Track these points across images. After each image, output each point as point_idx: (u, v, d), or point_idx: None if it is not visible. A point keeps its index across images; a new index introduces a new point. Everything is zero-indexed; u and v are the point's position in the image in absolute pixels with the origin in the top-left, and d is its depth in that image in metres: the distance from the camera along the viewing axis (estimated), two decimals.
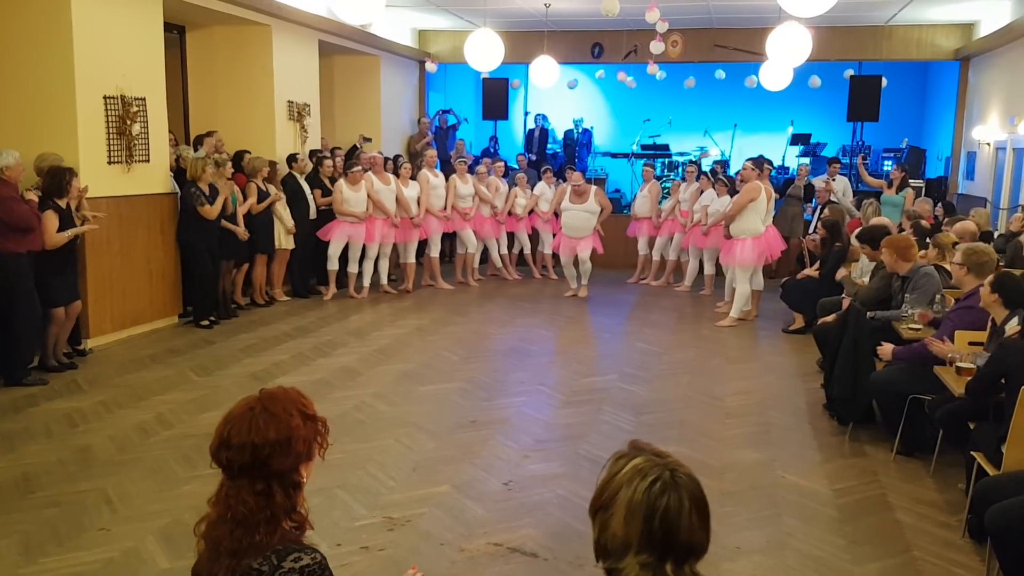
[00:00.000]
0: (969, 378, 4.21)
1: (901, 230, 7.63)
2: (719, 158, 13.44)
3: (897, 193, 10.10)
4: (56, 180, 6.55)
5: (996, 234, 8.70)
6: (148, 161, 7.95)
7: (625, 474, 1.62)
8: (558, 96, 15.22)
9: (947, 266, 6.30)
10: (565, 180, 11.66)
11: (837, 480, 4.81)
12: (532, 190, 11.73)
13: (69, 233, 6.63)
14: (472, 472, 4.84)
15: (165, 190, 8.26)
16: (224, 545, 1.88)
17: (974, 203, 10.77)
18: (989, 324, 4.54)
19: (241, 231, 8.64)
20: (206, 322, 8.30)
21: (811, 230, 10.63)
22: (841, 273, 7.70)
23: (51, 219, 6.47)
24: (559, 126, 15.59)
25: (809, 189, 11.29)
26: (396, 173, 10.55)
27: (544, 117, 15.31)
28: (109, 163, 7.51)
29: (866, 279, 7.05)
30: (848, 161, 13.61)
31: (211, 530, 1.93)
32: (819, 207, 10.60)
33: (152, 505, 4.33)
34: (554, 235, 10.99)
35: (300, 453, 1.93)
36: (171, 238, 8.30)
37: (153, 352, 7.40)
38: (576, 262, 10.15)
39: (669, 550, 1.58)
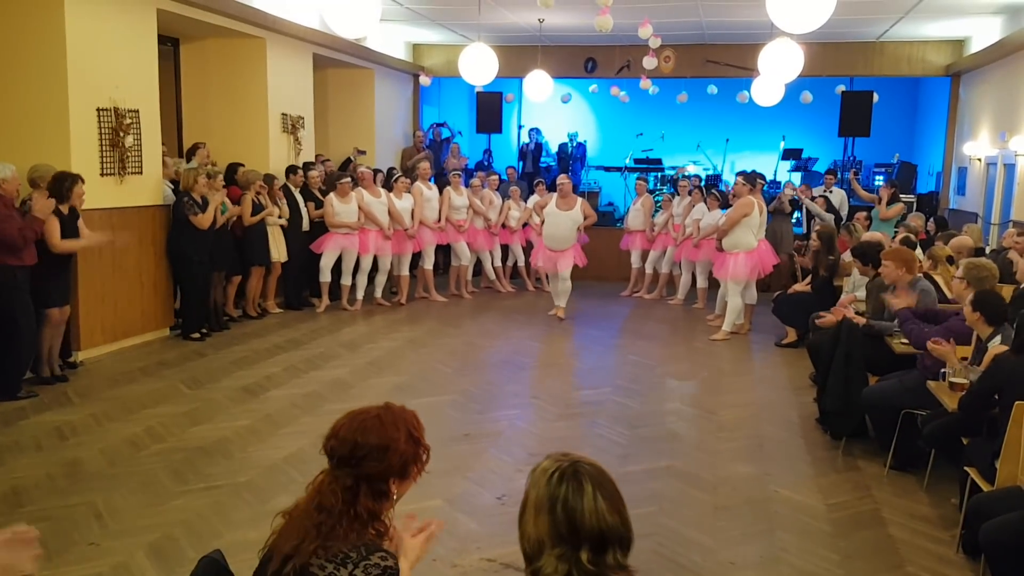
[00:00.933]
0: (963, 393, 4.21)
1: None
2: (692, 174, 13.45)
3: (888, 207, 10.16)
4: (58, 185, 6.54)
5: (988, 249, 8.74)
6: (141, 173, 7.94)
7: (534, 479, 1.68)
8: (552, 110, 15.28)
9: (937, 277, 6.33)
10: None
11: (831, 495, 4.80)
12: (526, 203, 11.77)
13: (77, 245, 6.66)
14: (465, 486, 4.82)
15: (157, 202, 8.24)
16: (303, 523, 2.05)
17: (965, 218, 10.83)
18: (974, 340, 4.55)
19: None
20: (197, 334, 8.26)
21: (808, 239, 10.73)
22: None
23: (53, 225, 6.45)
24: (553, 140, 15.64)
25: (794, 204, 11.40)
26: (389, 187, 10.57)
27: (538, 131, 15.36)
28: (102, 175, 7.49)
29: (858, 293, 7.07)
30: (840, 175, 13.68)
31: (296, 508, 2.12)
32: (807, 216, 10.75)
33: (142, 520, 4.29)
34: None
35: (393, 465, 2.12)
36: (163, 250, 8.27)
37: (144, 365, 7.36)
38: (558, 278, 9.63)
39: (579, 538, 1.59)
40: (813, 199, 11.13)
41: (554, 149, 15.57)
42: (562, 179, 9.73)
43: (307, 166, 10.39)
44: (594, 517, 1.59)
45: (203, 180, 8.15)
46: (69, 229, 6.64)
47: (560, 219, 9.41)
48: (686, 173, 13.28)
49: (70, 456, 5.17)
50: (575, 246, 9.61)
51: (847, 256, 7.80)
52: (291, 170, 9.94)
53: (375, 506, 2.12)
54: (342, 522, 2.05)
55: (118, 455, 5.21)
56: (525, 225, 11.68)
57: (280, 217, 9.40)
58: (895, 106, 14.97)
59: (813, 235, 8.74)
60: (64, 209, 6.60)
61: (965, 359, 4.59)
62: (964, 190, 12.29)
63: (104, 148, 7.50)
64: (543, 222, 9.64)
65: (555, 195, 9.54)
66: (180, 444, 5.39)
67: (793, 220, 11.51)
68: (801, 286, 8.79)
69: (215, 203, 8.20)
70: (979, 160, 11.51)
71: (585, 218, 9.52)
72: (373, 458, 2.10)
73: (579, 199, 9.61)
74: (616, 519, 1.61)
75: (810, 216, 11.19)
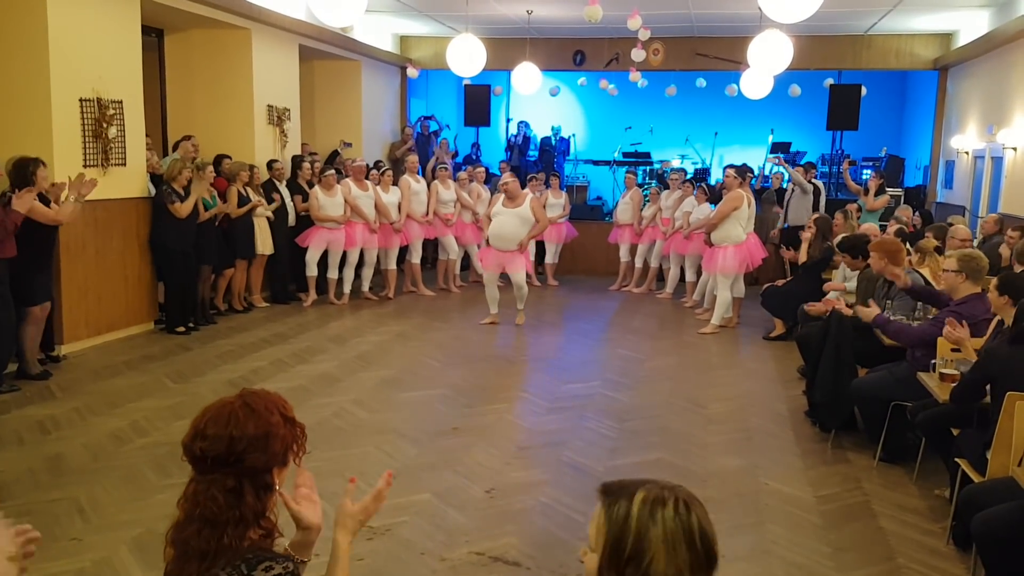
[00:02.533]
0: (953, 384, 4.20)
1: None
2: (678, 168, 13.42)
3: (875, 198, 10.18)
4: (21, 172, 6.28)
5: (975, 242, 8.76)
6: (124, 165, 7.84)
7: (640, 514, 1.50)
8: (540, 103, 15.22)
9: (923, 270, 6.31)
10: (549, 187, 11.69)
11: (820, 487, 4.78)
12: None
13: (71, 199, 6.47)
14: (454, 480, 4.78)
15: (141, 194, 8.14)
16: (192, 546, 1.82)
17: (952, 211, 10.85)
18: (992, 326, 4.51)
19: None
20: (182, 328, 8.18)
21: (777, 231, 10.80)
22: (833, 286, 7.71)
23: (37, 208, 6.29)
24: (542, 133, 15.60)
25: (781, 193, 11.45)
26: (377, 180, 10.50)
27: (527, 124, 15.31)
28: (85, 166, 7.38)
29: (848, 284, 7.06)
30: (829, 169, 13.72)
31: (178, 531, 1.87)
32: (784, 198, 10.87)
33: (125, 514, 4.23)
34: (479, 247, 10.26)
35: (276, 453, 1.88)
36: (147, 242, 8.18)
37: (128, 358, 7.28)
38: (512, 284, 8.86)
39: (712, 563, 1.52)
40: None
41: (540, 142, 15.54)
42: (505, 178, 9.14)
43: (299, 160, 10.30)
44: (715, 539, 1.53)
45: (187, 172, 8.05)
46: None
47: (506, 217, 8.62)
48: (671, 167, 13.26)
49: (52, 450, 5.10)
50: (524, 252, 8.80)
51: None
52: (271, 164, 9.83)
53: (260, 503, 1.87)
54: (227, 531, 1.81)
55: (101, 449, 5.14)
56: None
57: (266, 209, 9.32)
58: (883, 100, 15.00)
59: (809, 222, 8.70)
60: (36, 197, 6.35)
61: (956, 350, 4.57)
62: (952, 183, 12.32)
63: (87, 139, 7.40)
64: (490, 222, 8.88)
65: (502, 195, 8.77)
66: (164, 438, 5.32)
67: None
68: (783, 282, 8.82)
69: (196, 194, 8.10)
70: (966, 153, 11.54)
71: (536, 221, 8.65)
72: (255, 449, 1.84)
73: (529, 197, 8.75)
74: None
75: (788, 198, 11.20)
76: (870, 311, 5.17)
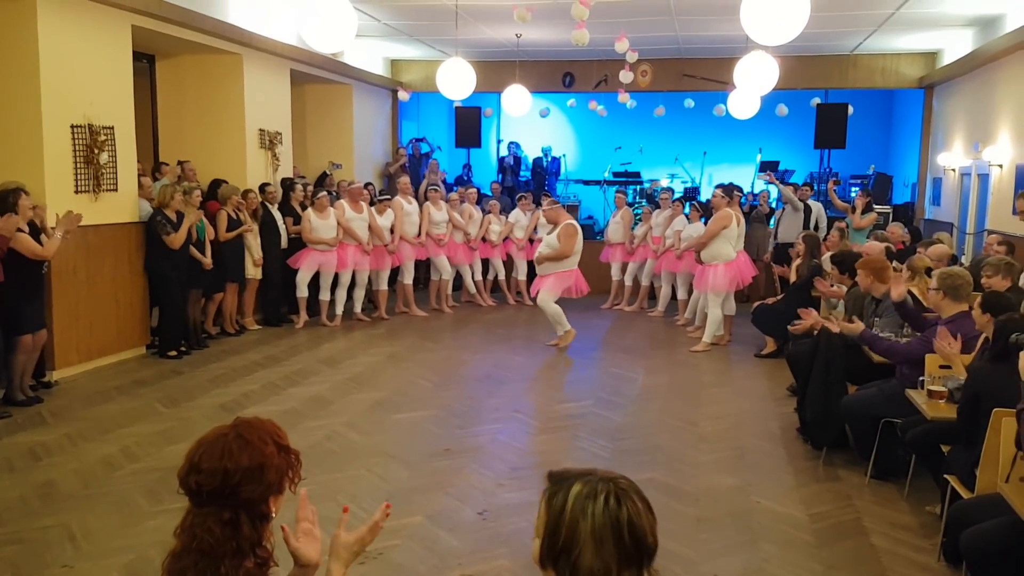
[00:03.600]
0: (941, 400, 4.24)
1: None
2: (666, 187, 13.49)
3: (862, 216, 10.25)
4: (2, 203, 6.21)
5: (964, 259, 8.81)
6: (116, 190, 7.86)
7: (573, 507, 1.54)
8: (531, 124, 15.32)
9: (913, 288, 6.35)
10: (540, 206, 11.75)
11: (812, 505, 4.80)
12: (507, 217, 11.80)
13: (58, 234, 6.48)
14: (446, 502, 4.78)
15: (133, 219, 8.16)
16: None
17: (940, 228, 10.94)
18: (980, 343, 4.55)
19: (207, 261, 8.56)
20: (174, 352, 8.17)
21: (769, 253, 10.83)
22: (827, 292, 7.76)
23: (23, 240, 6.29)
24: (533, 154, 15.70)
25: (770, 213, 11.55)
26: (372, 203, 10.54)
27: (517, 145, 15.41)
28: (76, 192, 7.41)
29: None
30: (817, 188, 13.79)
31: (175, 562, 1.87)
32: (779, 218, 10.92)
33: (117, 541, 4.22)
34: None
35: (271, 483, 1.89)
36: (139, 267, 8.19)
37: (120, 383, 7.26)
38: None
39: (644, 556, 1.54)
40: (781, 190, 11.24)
41: (531, 163, 15.63)
42: (545, 204, 9.29)
43: (291, 183, 10.32)
44: (651, 533, 1.55)
45: (179, 197, 8.08)
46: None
47: (543, 243, 8.95)
48: (660, 187, 13.35)
49: (44, 477, 5.08)
50: (556, 274, 8.71)
51: (827, 263, 7.84)
52: (263, 187, 9.86)
53: (257, 533, 1.89)
54: (224, 562, 1.82)
55: (92, 476, 5.12)
56: (506, 239, 11.72)
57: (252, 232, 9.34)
58: (870, 118, 15.13)
59: (798, 240, 8.76)
60: (23, 226, 6.36)
61: (946, 367, 4.61)
62: (939, 200, 12.42)
63: (78, 165, 7.42)
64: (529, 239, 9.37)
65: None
66: (156, 464, 5.31)
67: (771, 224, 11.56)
68: (773, 300, 8.87)
69: (188, 221, 8.13)
70: (953, 171, 11.65)
71: (559, 246, 8.52)
72: (250, 481, 1.86)
73: (564, 224, 8.64)
74: (655, 528, 1.58)
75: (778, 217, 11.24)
76: (855, 327, 5.21)
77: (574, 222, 8.82)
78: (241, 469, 1.85)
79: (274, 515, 1.93)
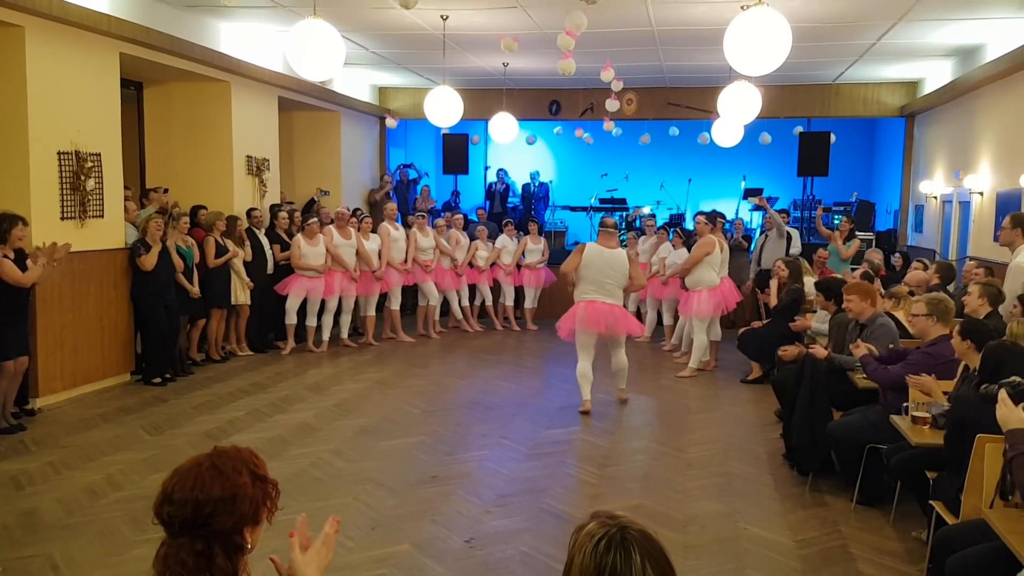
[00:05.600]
0: (925, 427, 4.28)
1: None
2: (647, 215, 13.56)
3: (844, 244, 10.31)
4: None
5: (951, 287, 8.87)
6: (102, 216, 7.85)
7: (579, 543, 1.60)
8: (518, 151, 15.42)
9: (898, 313, 6.41)
10: (527, 233, 11.81)
11: (799, 531, 4.80)
12: (494, 243, 11.85)
13: (40, 263, 6.48)
14: (433, 529, 4.75)
15: (119, 245, 8.14)
16: None
17: (923, 255, 11.03)
18: (960, 370, 4.59)
19: (194, 290, 8.55)
20: (158, 379, 8.13)
21: (751, 279, 10.85)
22: (801, 324, 7.83)
23: (5, 265, 6.28)
24: (520, 180, 15.79)
25: (747, 239, 11.64)
26: (357, 227, 10.56)
27: (505, 172, 15.50)
28: (62, 219, 7.39)
29: (820, 326, 7.15)
30: (801, 215, 13.93)
31: None
32: (760, 244, 10.96)
33: (100, 570, 4.17)
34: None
35: (245, 514, 1.87)
36: (124, 294, 8.16)
37: (104, 411, 7.20)
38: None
39: None
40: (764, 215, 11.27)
41: (519, 189, 15.73)
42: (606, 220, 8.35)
43: (276, 209, 10.36)
44: None
45: (153, 225, 8.06)
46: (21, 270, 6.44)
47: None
48: (642, 214, 13.44)
49: (26, 506, 5.02)
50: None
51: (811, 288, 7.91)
52: (249, 213, 9.87)
53: (231, 565, 1.85)
54: None
55: (76, 504, 5.07)
56: (493, 265, 11.76)
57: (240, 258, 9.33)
58: (852, 146, 15.34)
59: (778, 264, 8.79)
60: (9, 253, 6.39)
61: (947, 393, 4.65)
62: (922, 227, 12.56)
63: (65, 191, 7.41)
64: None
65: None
66: (140, 492, 5.26)
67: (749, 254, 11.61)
68: (760, 324, 8.92)
69: (157, 245, 8.06)
70: (935, 198, 11.79)
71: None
72: (221, 512, 1.83)
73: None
74: None
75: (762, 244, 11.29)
76: (859, 349, 5.25)
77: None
78: (213, 500, 1.82)
79: (250, 547, 1.91)
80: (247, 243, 9.51)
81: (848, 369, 5.70)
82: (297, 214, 10.57)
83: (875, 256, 9.12)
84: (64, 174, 7.40)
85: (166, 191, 9.28)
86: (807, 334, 7.69)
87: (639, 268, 7.19)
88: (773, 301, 8.56)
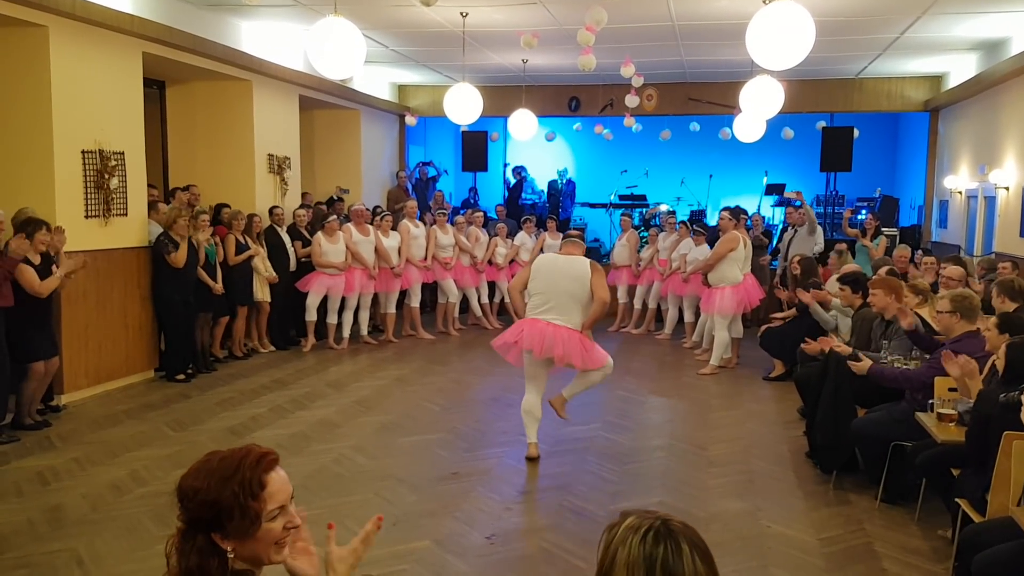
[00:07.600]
0: (951, 424, 4.22)
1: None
2: (665, 211, 13.48)
3: (872, 241, 10.21)
4: (23, 228, 6.37)
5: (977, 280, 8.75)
6: (126, 215, 7.92)
7: (619, 536, 1.57)
8: (537, 148, 15.40)
9: (923, 312, 6.33)
10: (545, 230, 11.80)
11: (823, 529, 4.76)
12: (512, 240, 11.85)
13: (58, 274, 6.55)
14: (454, 526, 4.76)
15: (142, 244, 8.21)
16: None
17: (947, 251, 10.90)
18: (988, 365, 4.53)
19: (217, 286, 8.60)
20: (181, 376, 8.19)
21: (777, 276, 10.75)
22: (820, 295, 7.77)
23: (25, 271, 6.37)
24: (539, 177, 15.77)
25: (767, 235, 11.53)
26: (378, 225, 10.59)
27: (523, 168, 15.49)
28: (87, 217, 7.47)
29: (841, 324, 7.08)
30: (824, 210, 13.79)
31: None
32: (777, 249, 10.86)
33: (125, 565, 4.21)
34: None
35: (203, 515, 1.85)
36: (148, 292, 8.23)
37: (128, 407, 7.27)
38: None
39: None
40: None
41: (540, 186, 15.71)
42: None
43: (295, 209, 10.40)
44: (682, 574, 1.52)
45: (182, 221, 8.12)
46: (44, 275, 6.49)
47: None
48: (660, 212, 13.36)
49: (52, 501, 5.08)
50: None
51: (831, 286, 7.83)
52: (272, 210, 9.92)
53: (198, 564, 1.79)
54: None
55: (101, 500, 5.12)
56: (512, 262, 11.76)
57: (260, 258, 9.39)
58: (876, 141, 15.17)
59: (793, 262, 8.75)
60: (34, 258, 6.44)
61: (955, 389, 4.60)
62: (946, 223, 12.42)
63: (89, 190, 7.49)
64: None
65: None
66: (164, 487, 5.29)
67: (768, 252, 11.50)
68: (779, 316, 8.84)
69: (185, 241, 8.12)
70: (960, 193, 11.65)
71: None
72: (188, 499, 1.82)
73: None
74: None
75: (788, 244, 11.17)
76: (862, 366, 5.18)
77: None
78: (187, 486, 1.87)
79: (231, 553, 1.85)
80: (263, 240, 9.55)
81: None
82: (320, 205, 10.59)
83: (901, 253, 8.92)
84: (88, 173, 7.47)
85: (193, 188, 9.36)
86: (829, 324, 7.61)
87: (603, 279, 5.77)
88: (787, 297, 8.50)
